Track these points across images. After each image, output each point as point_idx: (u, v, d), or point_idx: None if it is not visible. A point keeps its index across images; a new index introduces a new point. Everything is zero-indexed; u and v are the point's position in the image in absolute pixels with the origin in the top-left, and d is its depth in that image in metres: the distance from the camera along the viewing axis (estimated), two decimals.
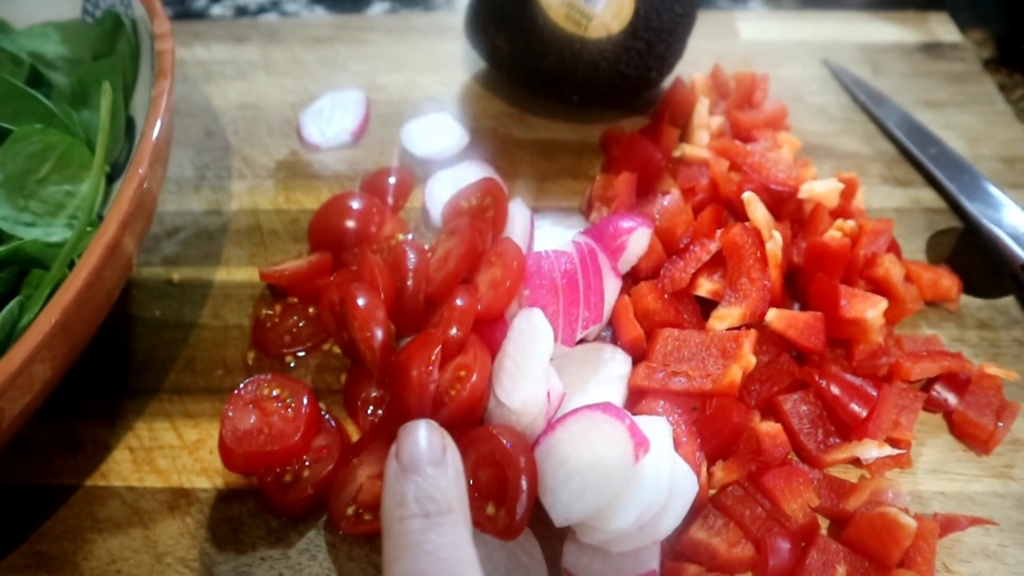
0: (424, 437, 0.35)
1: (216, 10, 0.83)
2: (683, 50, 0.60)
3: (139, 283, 0.54)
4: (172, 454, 0.46)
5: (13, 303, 0.41)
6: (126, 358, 0.51)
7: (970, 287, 0.52)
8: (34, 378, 0.39)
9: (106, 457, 0.47)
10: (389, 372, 0.45)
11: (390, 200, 0.57)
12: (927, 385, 0.47)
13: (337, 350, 0.50)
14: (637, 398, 0.45)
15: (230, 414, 0.43)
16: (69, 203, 0.51)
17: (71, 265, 0.47)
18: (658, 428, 0.40)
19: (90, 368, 0.48)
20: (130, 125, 0.54)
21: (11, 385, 0.36)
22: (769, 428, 0.43)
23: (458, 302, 0.45)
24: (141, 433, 0.47)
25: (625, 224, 0.48)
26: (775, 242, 0.47)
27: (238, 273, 0.54)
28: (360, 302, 0.45)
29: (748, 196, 0.48)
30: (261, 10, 0.82)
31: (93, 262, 0.39)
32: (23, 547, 0.43)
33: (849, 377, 0.44)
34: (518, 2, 0.56)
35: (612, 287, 0.47)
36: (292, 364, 0.50)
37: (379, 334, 0.44)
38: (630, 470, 0.37)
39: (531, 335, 0.43)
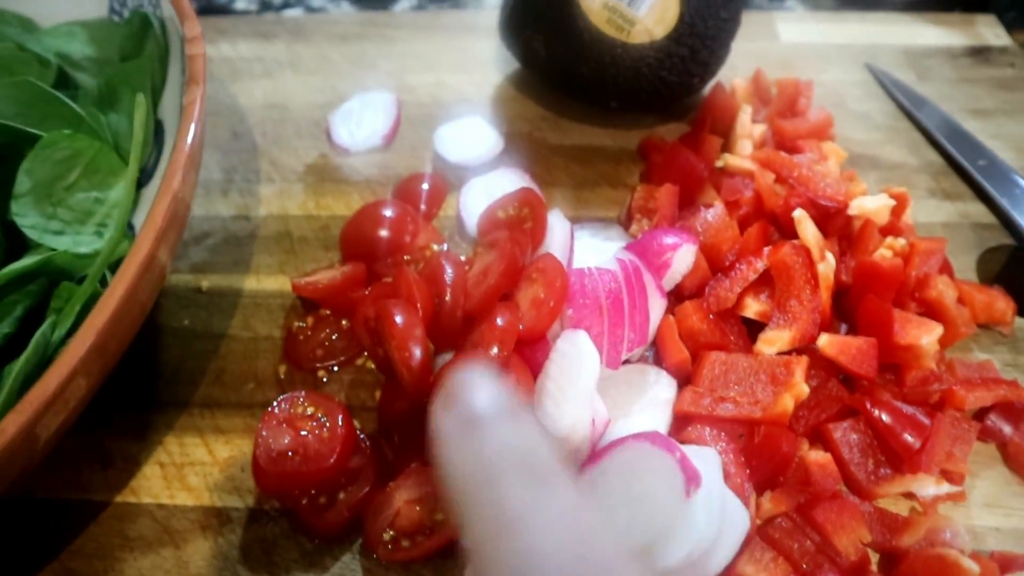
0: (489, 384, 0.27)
1: (240, 4, 0.81)
2: (727, 56, 0.58)
3: (168, 291, 0.53)
4: (203, 471, 0.45)
5: (46, 325, 0.40)
6: (156, 369, 0.50)
7: None
8: (69, 399, 0.38)
9: (136, 473, 0.46)
10: (427, 392, 0.43)
11: (423, 207, 0.55)
12: (980, 413, 0.45)
13: (371, 365, 0.49)
14: (682, 423, 0.43)
15: (263, 434, 0.42)
16: (98, 210, 0.50)
17: (102, 278, 0.46)
18: (709, 460, 0.39)
19: (119, 380, 0.47)
20: (159, 128, 0.53)
21: (47, 410, 0.35)
22: (818, 458, 0.42)
23: (499, 321, 0.43)
24: (171, 448, 0.46)
25: (669, 240, 0.47)
26: (827, 264, 0.45)
27: (268, 282, 0.53)
28: (397, 319, 0.43)
29: (799, 214, 0.47)
30: (286, 5, 0.81)
31: (128, 279, 0.38)
32: (54, 564, 0.43)
33: (901, 405, 0.43)
34: (558, 4, 0.54)
35: (657, 307, 0.45)
36: (325, 379, 0.49)
37: (417, 353, 0.43)
38: (681, 505, 0.36)
39: (576, 358, 0.41)
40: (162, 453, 0.46)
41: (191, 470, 0.46)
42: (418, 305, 0.44)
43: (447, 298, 0.45)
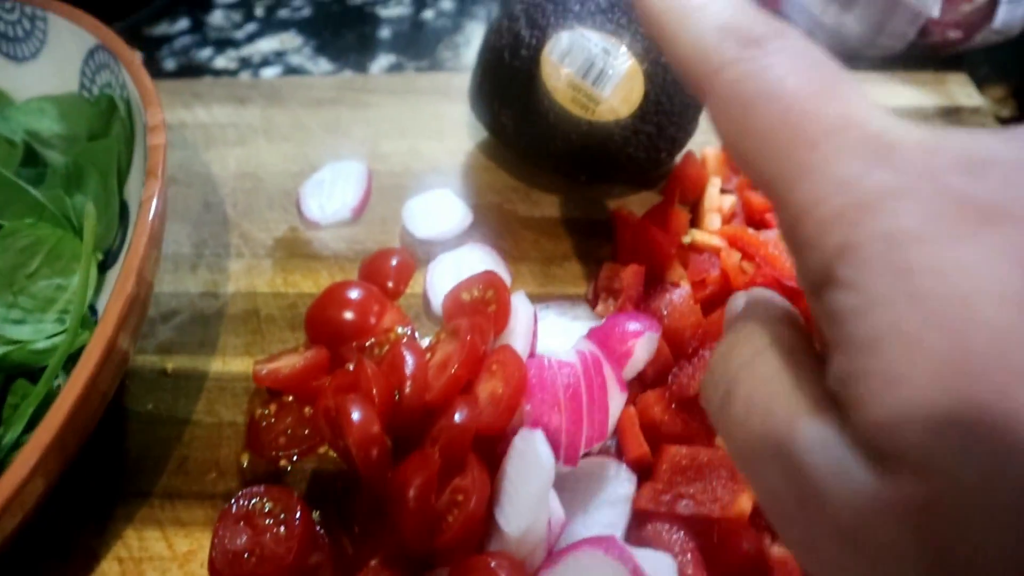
0: None
1: (220, 62, 0.81)
2: (695, 130, 0.58)
3: (134, 373, 0.53)
4: (162, 566, 0.45)
5: (8, 437, 0.40)
6: (118, 457, 0.50)
7: None
8: (26, 501, 0.38)
9: (95, 568, 0.45)
10: (385, 490, 0.43)
11: (390, 285, 0.55)
12: None
13: (333, 454, 0.49)
14: (642, 520, 0.43)
15: (220, 534, 0.42)
16: (60, 297, 0.50)
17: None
18: (663, 566, 0.38)
19: (81, 468, 0.47)
20: (124, 210, 0.53)
21: (3, 515, 0.35)
22: (781, 554, 0.41)
23: (456, 418, 0.43)
24: (131, 542, 0.46)
25: (632, 327, 0.46)
26: None
27: (234, 363, 0.53)
28: (354, 416, 0.43)
29: None
30: (265, 62, 0.81)
31: (87, 373, 0.38)
32: None
33: None
34: (523, 82, 0.54)
35: (617, 399, 0.45)
36: (288, 468, 0.48)
37: (373, 452, 0.43)
38: None
39: (532, 459, 0.41)
40: (121, 547, 0.46)
41: (150, 565, 0.45)
42: (376, 398, 0.44)
43: (407, 390, 0.45)
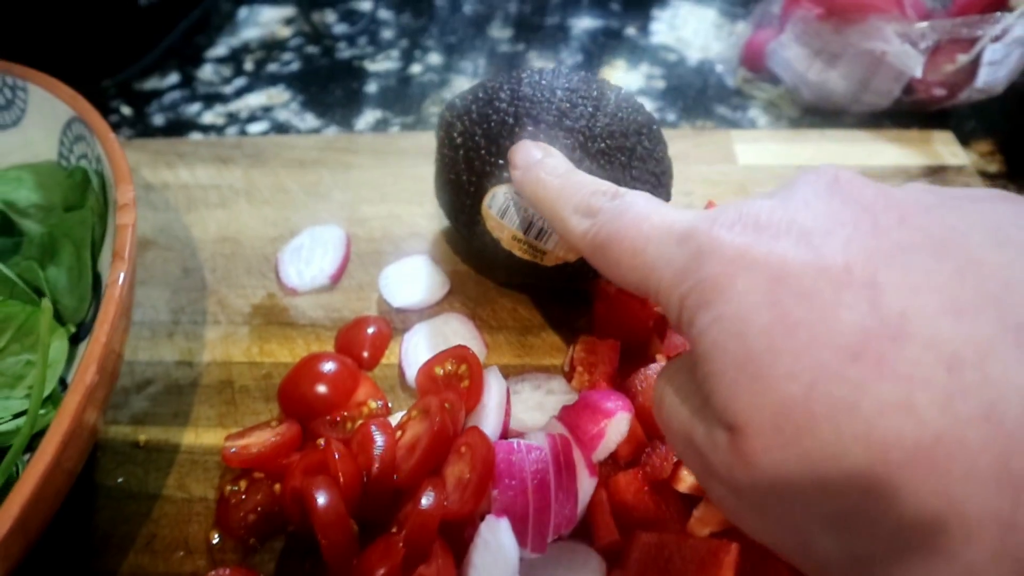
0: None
1: (208, 117, 0.82)
2: None
3: (105, 445, 0.53)
4: None
5: None
6: (86, 532, 0.49)
7: None
8: None
9: None
10: (351, 572, 0.42)
11: (366, 355, 0.55)
12: None
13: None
14: None
15: None
16: (29, 373, 0.50)
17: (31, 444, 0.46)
18: None
19: (47, 545, 0.46)
20: (97, 282, 0.53)
21: None
22: None
23: (423, 503, 0.42)
24: None
25: (605, 406, 0.46)
26: None
27: (206, 435, 0.53)
28: (320, 500, 0.43)
29: None
30: (252, 117, 0.81)
31: (50, 454, 0.37)
32: None
33: None
34: (468, 223, 0.53)
35: (587, 484, 0.44)
36: (257, 546, 0.48)
37: (339, 537, 0.42)
38: None
39: (496, 550, 0.40)
40: None
41: None
42: (341, 480, 0.44)
43: (375, 470, 0.45)
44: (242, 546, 0.48)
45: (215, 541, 0.48)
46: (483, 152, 0.50)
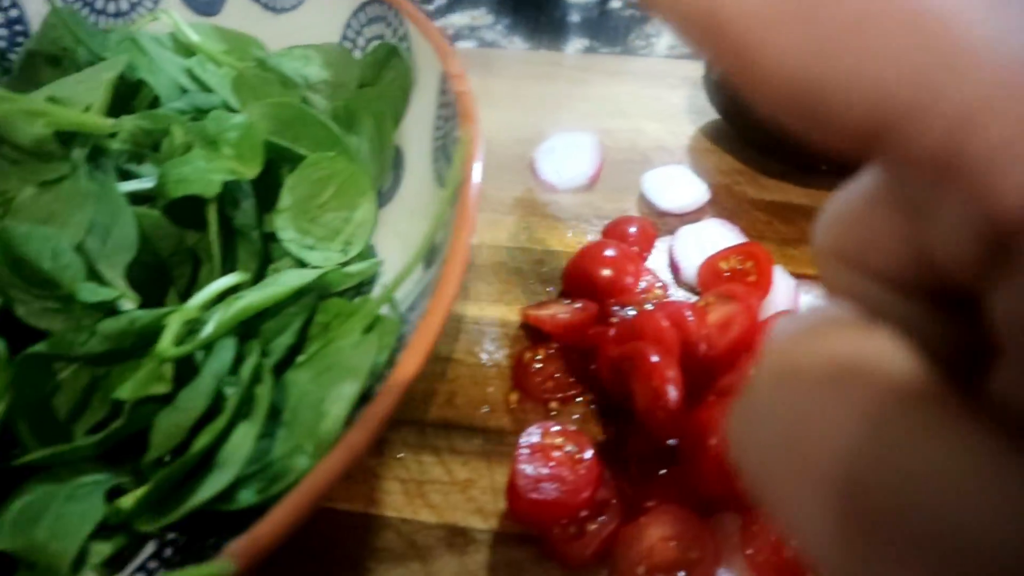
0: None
1: None
2: None
3: None
4: (443, 490, 0.47)
5: (382, 360, 0.42)
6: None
7: None
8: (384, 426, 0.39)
9: (377, 486, 0.48)
10: (680, 435, 0.45)
11: (635, 250, 0.57)
12: None
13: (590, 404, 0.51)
14: None
15: (521, 462, 0.44)
16: (344, 229, 0.52)
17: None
18: None
19: None
20: (398, 155, 0.55)
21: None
22: None
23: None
24: (410, 465, 0.48)
25: None
26: None
27: (489, 310, 0.55)
28: (654, 359, 0.45)
29: None
30: (459, 36, 0.84)
31: (441, 314, 0.40)
32: (298, 569, 0.44)
33: None
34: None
35: None
36: (554, 411, 0.50)
37: (673, 393, 0.45)
38: None
39: None
40: (401, 469, 0.48)
41: (431, 488, 0.47)
42: (669, 348, 0.46)
43: (702, 346, 0.47)
44: (541, 408, 0.50)
45: (513, 403, 0.51)
46: None
